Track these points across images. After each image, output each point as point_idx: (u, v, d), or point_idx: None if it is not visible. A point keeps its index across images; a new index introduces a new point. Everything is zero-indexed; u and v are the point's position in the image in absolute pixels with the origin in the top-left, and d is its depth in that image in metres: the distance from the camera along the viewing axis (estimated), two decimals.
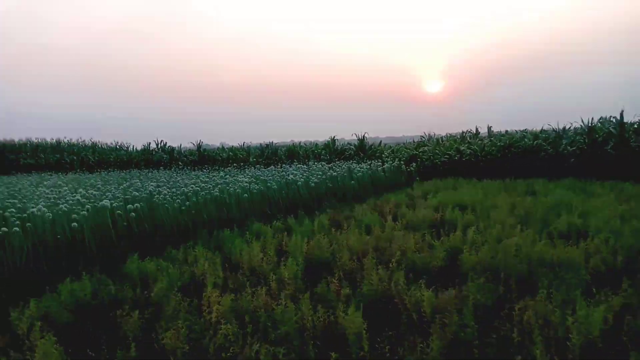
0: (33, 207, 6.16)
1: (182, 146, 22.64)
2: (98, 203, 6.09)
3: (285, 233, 6.15)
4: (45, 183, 12.41)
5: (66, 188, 9.77)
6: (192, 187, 7.86)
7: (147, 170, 18.77)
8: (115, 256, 5.65)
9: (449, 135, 18.66)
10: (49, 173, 19.67)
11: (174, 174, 14.19)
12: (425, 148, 15.42)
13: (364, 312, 3.28)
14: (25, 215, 5.59)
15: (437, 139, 17.54)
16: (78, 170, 20.78)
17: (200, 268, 4.53)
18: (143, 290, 4.08)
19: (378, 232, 5.95)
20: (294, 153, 18.33)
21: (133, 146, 24.35)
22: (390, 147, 16.89)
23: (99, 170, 20.94)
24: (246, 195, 7.74)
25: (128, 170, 19.30)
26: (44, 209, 5.30)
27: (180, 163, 20.51)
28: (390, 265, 4.45)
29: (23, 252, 4.99)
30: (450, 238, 5.42)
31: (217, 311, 3.38)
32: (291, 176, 9.23)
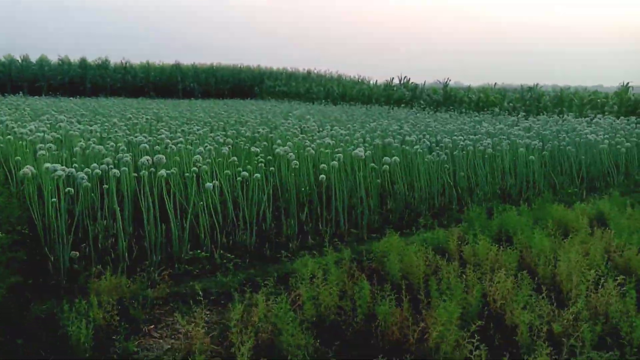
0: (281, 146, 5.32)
1: (425, 83, 20.85)
2: (347, 147, 4.86)
3: (605, 228, 3.95)
4: (294, 112, 12.32)
5: (313, 122, 9.12)
6: (450, 138, 6.09)
7: (387, 106, 17.73)
8: (361, 227, 4.36)
9: None
10: (297, 102, 20.42)
11: (418, 115, 12.57)
12: None
13: None
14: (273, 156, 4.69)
15: None
16: (323, 101, 21.05)
17: (501, 287, 2.78)
18: (411, 304, 2.58)
19: None
20: (564, 101, 14.72)
21: (376, 81, 23.59)
22: None
23: (341, 102, 20.88)
24: (532, 157, 5.59)
25: (369, 106, 18.65)
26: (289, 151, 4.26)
27: (422, 102, 18.87)
28: None
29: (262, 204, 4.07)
30: None
31: None
32: (592, 136, 6.58)
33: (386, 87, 22.00)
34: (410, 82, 21.35)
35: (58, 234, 3.28)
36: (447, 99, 18.16)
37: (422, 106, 17.63)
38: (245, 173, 3.91)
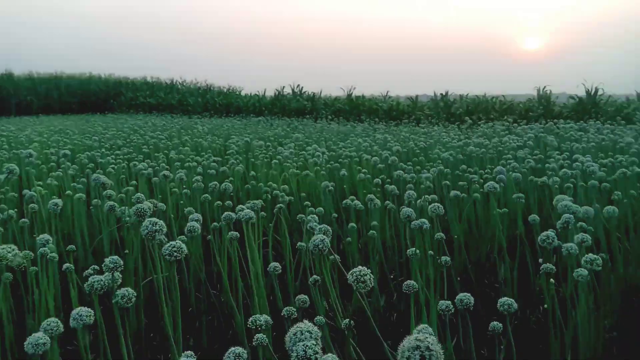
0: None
1: (322, 92, 19.15)
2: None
3: None
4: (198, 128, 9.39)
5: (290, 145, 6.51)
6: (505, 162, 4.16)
7: (289, 119, 15.33)
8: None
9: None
10: (171, 116, 16.91)
11: (337, 126, 10.52)
12: None
13: None
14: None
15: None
16: (206, 114, 18.06)
17: None
18: None
19: None
20: (479, 108, 14.20)
21: (264, 90, 20.95)
22: None
23: (227, 115, 18.10)
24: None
25: (261, 118, 16.28)
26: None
27: (323, 112, 17.19)
28: None
29: None
30: None
31: None
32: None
33: (277, 97, 19.79)
34: (304, 91, 19.53)
35: None
36: (354, 108, 16.68)
37: (327, 117, 15.87)
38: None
